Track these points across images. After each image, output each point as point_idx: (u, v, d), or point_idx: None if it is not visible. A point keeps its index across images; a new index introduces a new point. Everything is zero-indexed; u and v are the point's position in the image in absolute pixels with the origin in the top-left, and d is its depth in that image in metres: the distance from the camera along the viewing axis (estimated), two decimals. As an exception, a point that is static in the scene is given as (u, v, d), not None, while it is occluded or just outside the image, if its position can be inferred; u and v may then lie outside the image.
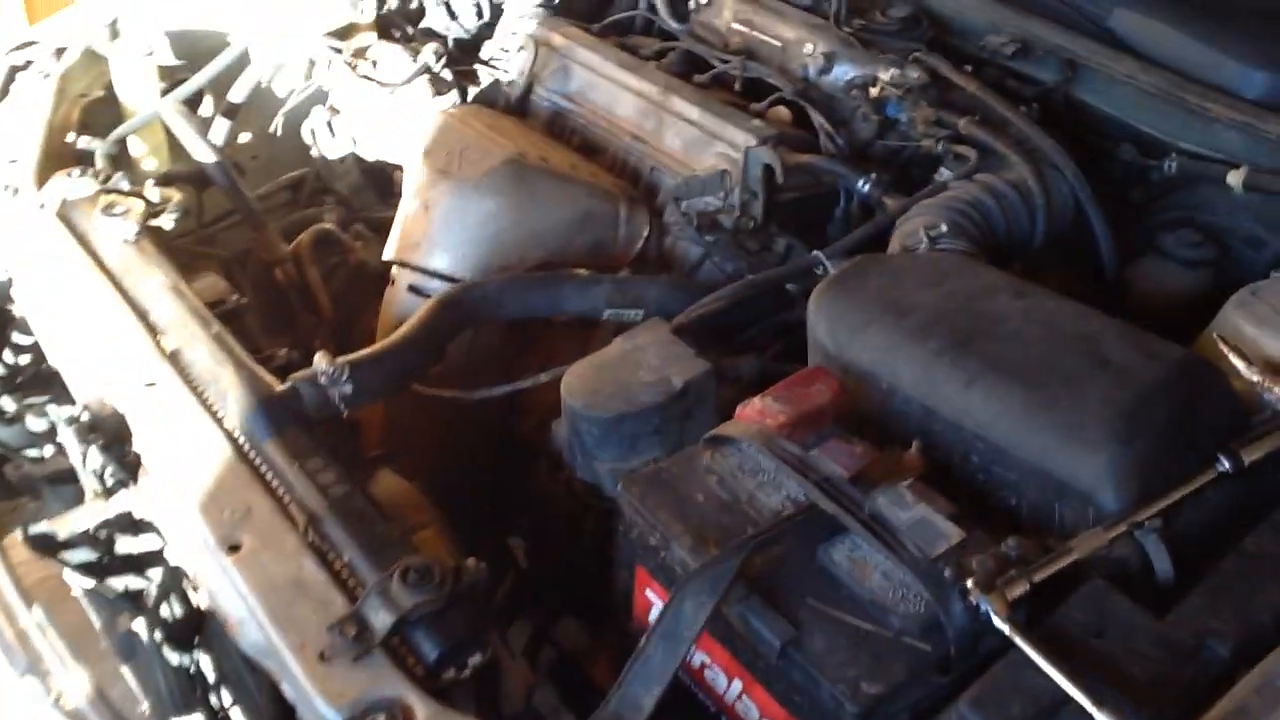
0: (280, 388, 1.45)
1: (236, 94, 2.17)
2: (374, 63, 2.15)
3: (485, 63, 2.33)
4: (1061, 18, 1.97)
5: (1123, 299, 1.74)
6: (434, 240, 1.80)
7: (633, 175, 2.08)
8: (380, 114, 2.14)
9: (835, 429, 1.34)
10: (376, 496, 1.46)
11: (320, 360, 1.46)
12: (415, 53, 2.18)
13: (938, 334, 1.37)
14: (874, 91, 1.94)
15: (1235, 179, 1.74)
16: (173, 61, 2.42)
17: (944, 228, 1.57)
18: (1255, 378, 1.31)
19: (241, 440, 1.41)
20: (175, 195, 1.78)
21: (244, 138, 2.43)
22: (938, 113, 1.85)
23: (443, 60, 2.17)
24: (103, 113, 2.26)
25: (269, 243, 2.08)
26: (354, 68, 2.09)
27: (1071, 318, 1.38)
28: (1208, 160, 1.81)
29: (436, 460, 1.79)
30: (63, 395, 1.70)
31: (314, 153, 2.21)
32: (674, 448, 1.48)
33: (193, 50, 2.39)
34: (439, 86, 2.14)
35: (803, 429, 1.32)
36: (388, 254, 1.86)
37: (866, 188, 1.82)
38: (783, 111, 2.04)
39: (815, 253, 1.69)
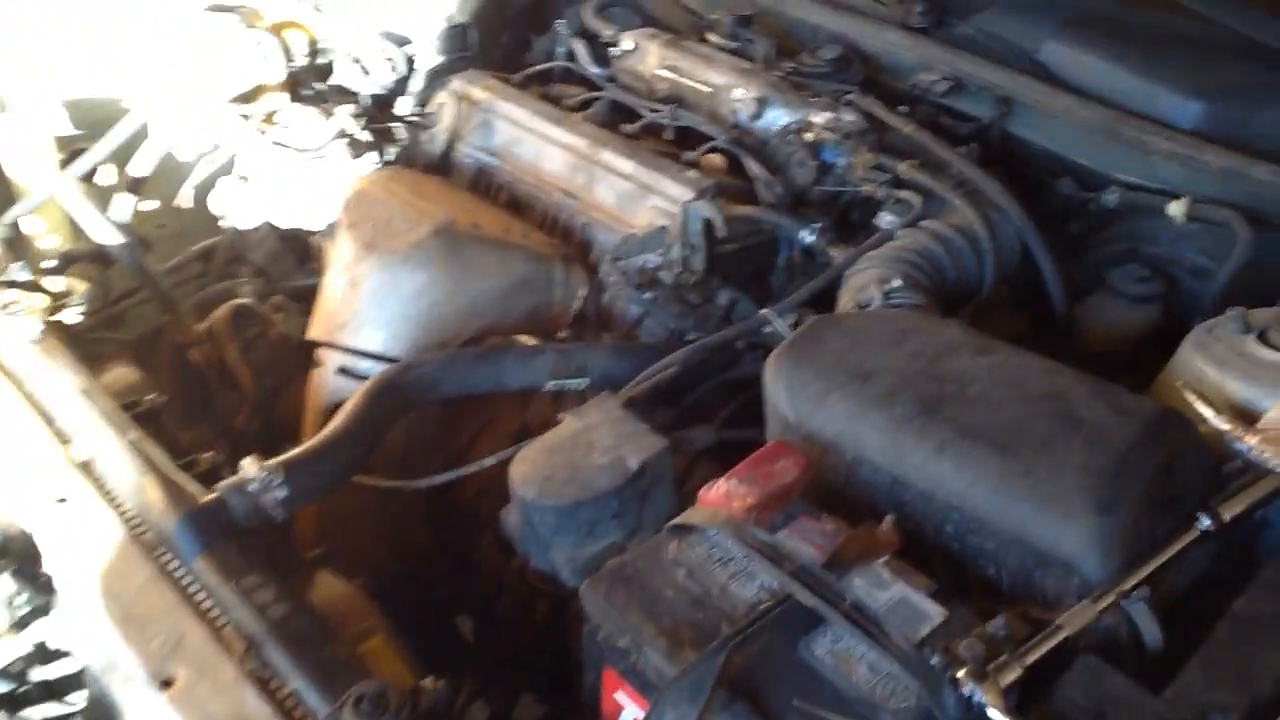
0: (207, 498, 1.35)
1: (139, 166, 2.05)
2: (286, 127, 2.05)
3: (403, 120, 2.25)
4: (992, 53, 1.94)
5: (1073, 337, 1.71)
6: (364, 318, 1.70)
7: (565, 232, 2.01)
8: (296, 180, 2.03)
9: (803, 505, 1.27)
10: (318, 605, 1.36)
11: (250, 465, 1.36)
12: (329, 114, 2.08)
13: (903, 399, 1.31)
14: (809, 136, 1.89)
15: (1177, 210, 1.73)
16: (71, 131, 2.30)
17: (897, 282, 1.52)
18: (1225, 426, 1.28)
19: (167, 559, 1.30)
20: (79, 286, 1.67)
21: (148, 205, 2.31)
22: (877, 157, 1.80)
23: (359, 120, 2.08)
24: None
25: (181, 323, 1.96)
26: (264, 133, 1.98)
27: (1038, 375, 1.33)
28: (1148, 191, 1.79)
29: (376, 550, 1.69)
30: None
31: (224, 223, 2.10)
32: (633, 530, 1.42)
33: (92, 119, 2.27)
34: (357, 149, 2.05)
35: (770, 509, 1.25)
36: (313, 333, 1.76)
37: (811, 238, 1.77)
38: (716, 160, 1.99)
39: (764, 311, 1.63)
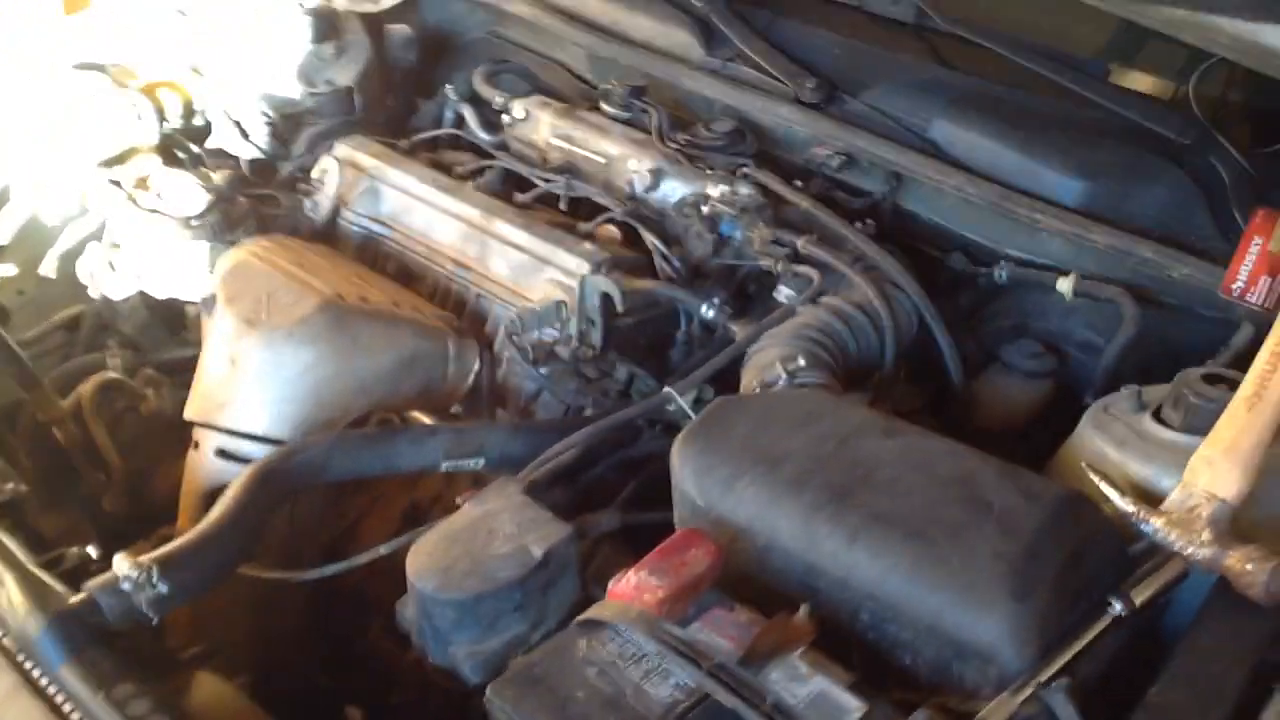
0: (75, 599, 1.24)
1: (-1, 234, 1.93)
2: (158, 193, 1.95)
3: (284, 186, 2.16)
4: (883, 129, 1.96)
5: (969, 411, 1.73)
6: (245, 398, 1.61)
7: (457, 304, 1.95)
8: (169, 248, 1.93)
9: (716, 596, 1.24)
10: (197, 711, 1.26)
11: (123, 562, 1.25)
12: (206, 179, 1.98)
13: (814, 485, 1.29)
14: (706, 209, 1.88)
15: (1065, 285, 1.76)
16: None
17: (801, 361, 1.51)
18: (1130, 508, 1.29)
19: (30, 668, 1.19)
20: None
21: (6, 270, 2.17)
22: (774, 231, 1.80)
23: (236, 186, 1.99)
24: None
25: (44, 400, 1.83)
26: (135, 199, 1.87)
27: (945, 457, 1.33)
28: (1037, 267, 1.83)
29: (254, 643, 1.59)
30: None
31: (92, 292, 1.97)
32: (536, 622, 1.35)
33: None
34: (233, 216, 1.95)
35: (682, 600, 1.21)
36: (190, 412, 1.66)
37: (711, 313, 1.76)
38: (612, 231, 1.96)
39: (667, 389, 1.60)
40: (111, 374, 1.92)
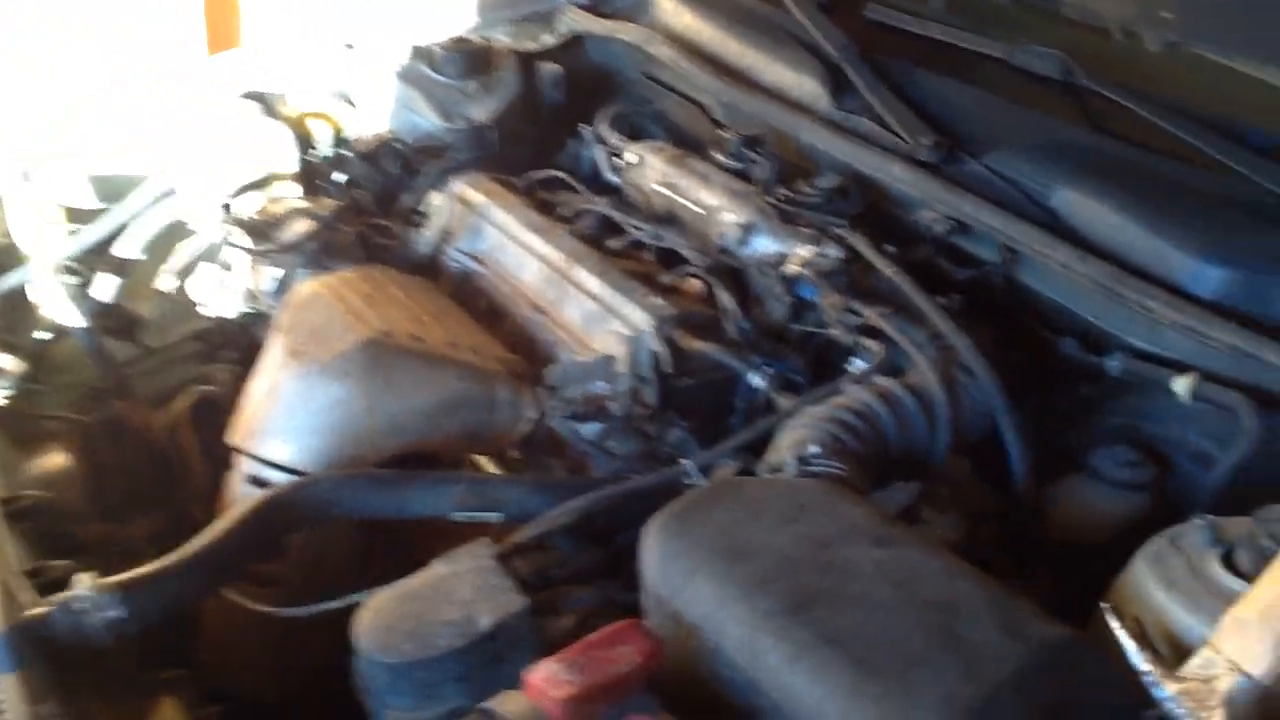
0: (33, 611, 1.28)
1: (127, 248, 2.06)
2: (271, 220, 2.03)
3: (402, 217, 2.21)
4: (999, 194, 1.77)
5: (1043, 519, 1.51)
6: (276, 427, 1.63)
7: (530, 348, 1.91)
8: (262, 273, 2.01)
9: (646, 700, 1.13)
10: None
11: (82, 581, 1.29)
12: (316, 208, 2.05)
13: (774, 591, 1.15)
14: (789, 269, 1.75)
15: (1181, 386, 1.52)
16: (94, 205, 2.34)
17: (814, 448, 1.36)
18: (1144, 666, 1.08)
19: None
20: (8, 367, 1.65)
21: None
22: (848, 300, 1.65)
23: (347, 217, 2.04)
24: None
25: (136, 411, 1.94)
26: (239, 224, 1.96)
27: (935, 577, 1.16)
28: (1156, 362, 1.59)
29: (260, 670, 1.61)
30: None
31: (205, 310, 2.08)
32: (483, 694, 1.28)
33: (116, 194, 2.31)
34: (335, 245, 2.00)
35: (597, 701, 1.11)
36: (231, 436, 1.70)
37: (759, 382, 1.63)
38: (696, 285, 1.87)
39: (684, 461, 1.49)
40: (209, 388, 2.01)
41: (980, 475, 1.59)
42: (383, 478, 1.55)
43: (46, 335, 2.02)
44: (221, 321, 2.08)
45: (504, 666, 1.29)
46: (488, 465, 1.89)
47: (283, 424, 1.62)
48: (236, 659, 1.69)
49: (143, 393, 2.15)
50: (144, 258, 2.14)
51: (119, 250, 2.07)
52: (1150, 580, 1.22)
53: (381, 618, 1.28)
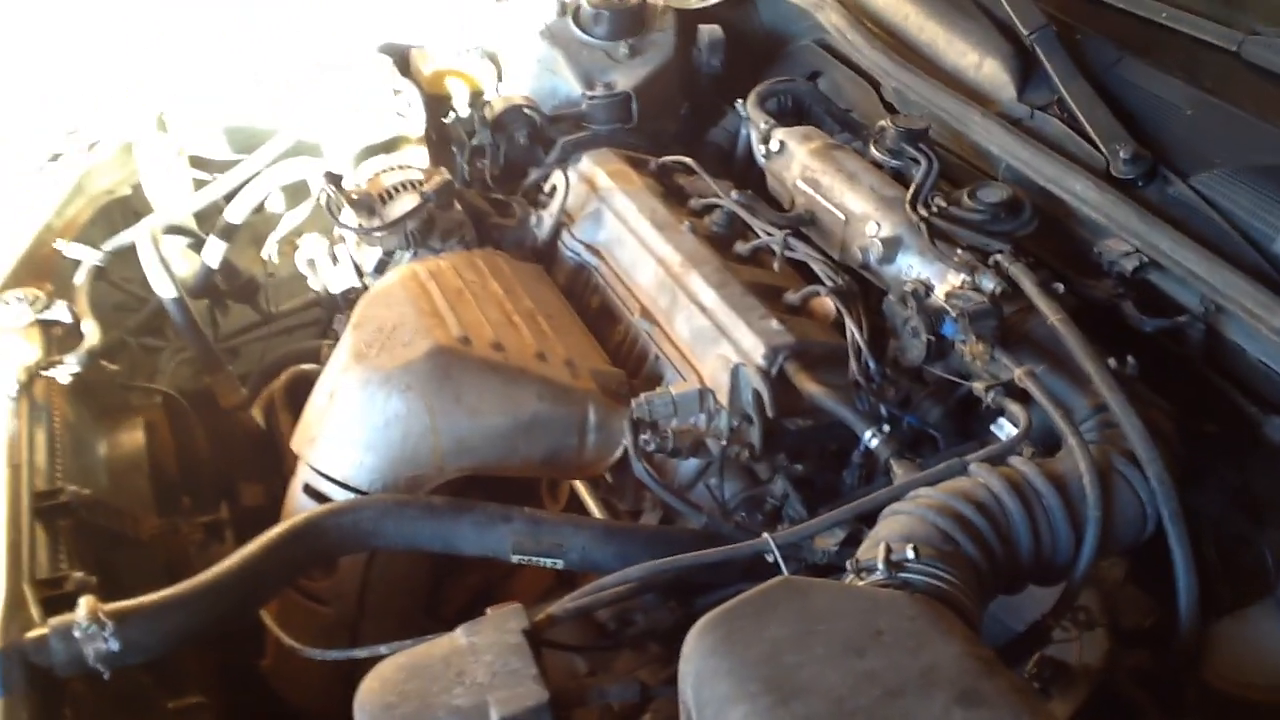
0: (31, 634, 1.19)
1: (234, 214, 1.96)
2: (383, 193, 1.88)
3: (529, 194, 2.03)
4: (1206, 228, 1.43)
5: (1200, 667, 1.21)
6: (332, 437, 1.49)
7: (637, 361, 1.71)
8: (356, 252, 1.87)
9: None
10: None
11: (81, 609, 1.19)
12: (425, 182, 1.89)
13: (816, 749, 0.93)
14: (934, 302, 1.47)
15: None
16: (229, 156, 2.27)
17: (910, 553, 1.11)
18: None
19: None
20: (90, 340, 1.58)
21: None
22: (993, 349, 1.37)
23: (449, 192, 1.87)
24: (124, 213, 2.13)
25: (225, 385, 1.85)
26: (343, 196, 1.81)
27: (1024, 762, 0.91)
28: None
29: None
30: None
31: (312, 283, 1.96)
32: (495, 794, 1.12)
33: (251, 145, 2.23)
34: (441, 225, 1.83)
35: None
36: (294, 439, 1.58)
37: (875, 443, 1.38)
38: (828, 305, 1.62)
39: (765, 535, 1.26)
40: (309, 366, 1.90)
41: (1140, 584, 1.30)
42: (433, 509, 1.39)
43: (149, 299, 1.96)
44: (327, 296, 1.96)
45: (518, 765, 1.13)
46: (582, 491, 1.71)
47: (339, 434, 1.49)
48: (295, 677, 1.59)
49: (256, 365, 2.07)
50: (254, 219, 2.04)
51: (232, 212, 1.98)
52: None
53: (384, 691, 1.13)
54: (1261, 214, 1.41)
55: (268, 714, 1.74)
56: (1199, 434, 1.43)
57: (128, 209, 2.11)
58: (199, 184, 2.17)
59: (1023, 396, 1.35)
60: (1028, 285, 1.43)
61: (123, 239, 1.96)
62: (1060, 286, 1.43)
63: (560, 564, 1.40)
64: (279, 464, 1.89)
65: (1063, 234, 1.60)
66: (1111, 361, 1.32)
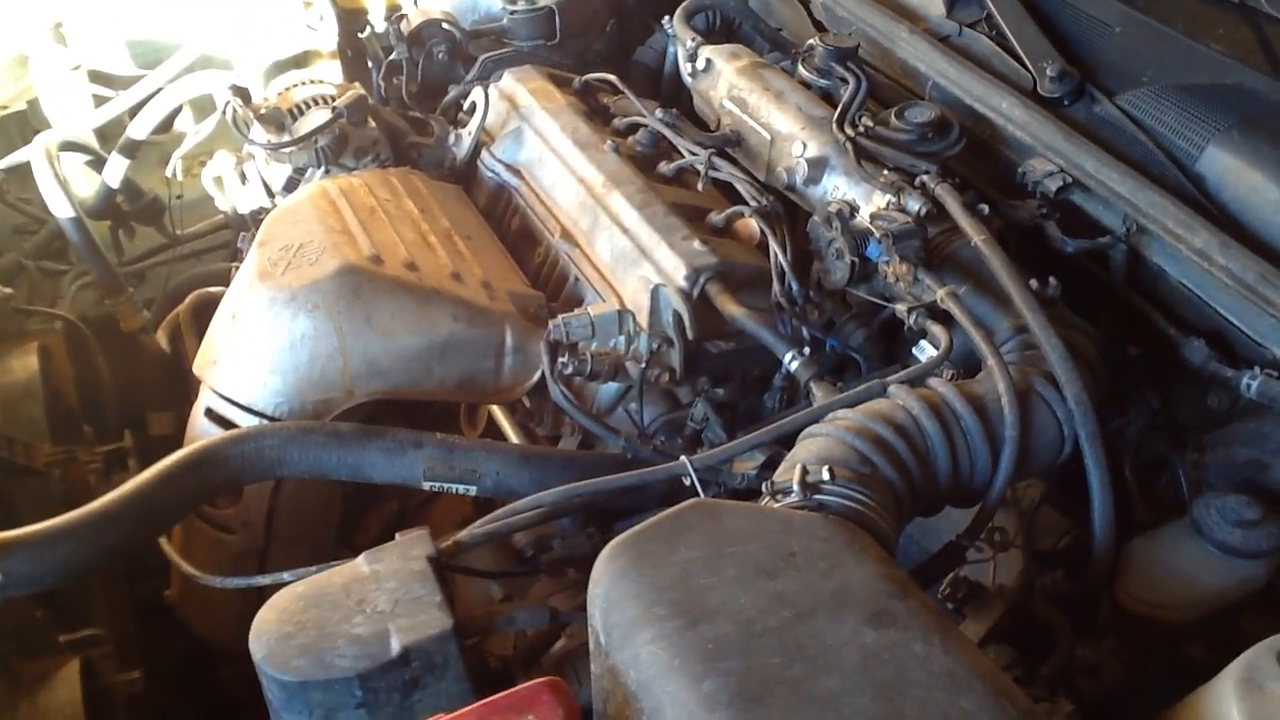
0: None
1: (138, 130, 1.87)
2: (293, 108, 1.80)
3: (448, 113, 1.96)
4: (1132, 148, 1.41)
5: (1114, 586, 1.20)
6: (235, 359, 1.43)
7: (558, 282, 1.67)
8: (264, 170, 1.79)
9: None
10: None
11: (-40, 539, 1.13)
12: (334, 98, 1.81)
13: (725, 671, 0.91)
14: (857, 222, 1.44)
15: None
16: (132, 71, 2.16)
17: (826, 474, 1.09)
18: None
19: None
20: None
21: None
22: (916, 270, 1.34)
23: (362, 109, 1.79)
24: (21, 128, 2.02)
25: (126, 309, 1.77)
26: (249, 112, 1.73)
27: (932, 685, 0.89)
28: (1304, 386, 1.24)
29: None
30: None
31: (220, 202, 1.88)
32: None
33: (154, 60, 2.12)
34: (352, 143, 1.76)
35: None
36: (196, 362, 1.51)
37: (795, 366, 1.35)
38: (752, 226, 1.58)
39: (683, 459, 1.24)
40: (215, 290, 1.83)
41: (1057, 505, 1.30)
42: (340, 436, 1.34)
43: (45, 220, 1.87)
44: (235, 216, 1.88)
45: (421, 693, 1.10)
46: (500, 416, 1.67)
47: (243, 356, 1.42)
48: (202, 607, 1.54)
49: (161, 290, 1.99)
50: (158, 138, 1.94)
51: (135, 128, 1.88)
52: (1236, 711, 0.92)
53: (281, 621, 1.09)
54: (1186, 132, 1.39)
55: (179, 647, 1.70)
56: (1120, 356, 1.42)
57: (24, 124, 2.01)
58: (99, 100, 2.06)
59: (945, 319, 1.33)
60: (953, 206, 1.40)
61: (17, 156, 1.86)
62: (985, 208, 1.41)
63: (474, 490, 1.36)
64: (190, 392, 1.83)
65: (991, 156, 1.57)
66: (1033, 283, 1.30)
